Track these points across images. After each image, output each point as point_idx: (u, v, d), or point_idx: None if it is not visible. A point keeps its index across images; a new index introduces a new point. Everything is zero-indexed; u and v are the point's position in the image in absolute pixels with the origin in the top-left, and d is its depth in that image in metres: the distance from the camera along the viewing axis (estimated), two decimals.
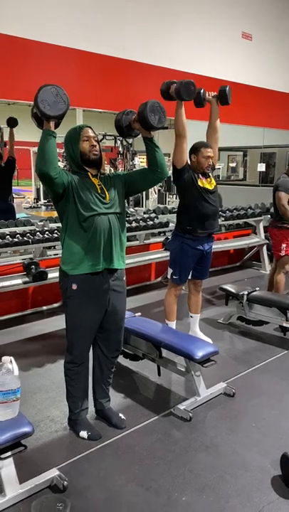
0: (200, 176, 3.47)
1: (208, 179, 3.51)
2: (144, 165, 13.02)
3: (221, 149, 4.29)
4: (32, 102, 2.21)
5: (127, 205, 2.67)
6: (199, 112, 3.76)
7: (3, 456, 1.96)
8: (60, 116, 2.22)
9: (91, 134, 2.42)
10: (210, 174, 3.53)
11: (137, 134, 2.61)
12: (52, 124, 2.23)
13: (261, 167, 8.30)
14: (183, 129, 3.32)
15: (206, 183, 3.48)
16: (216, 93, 3.66)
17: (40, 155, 2.21)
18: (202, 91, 3.64)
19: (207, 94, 3.66)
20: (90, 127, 2.44)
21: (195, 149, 3.49)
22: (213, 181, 3.55)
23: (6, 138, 6.26)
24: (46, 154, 2.20)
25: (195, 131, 3.84)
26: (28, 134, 5.35)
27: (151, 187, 2.56)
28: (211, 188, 3.49)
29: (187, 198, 3.50)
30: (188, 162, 3.49)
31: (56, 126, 2.27)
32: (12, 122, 5.66)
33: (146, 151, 2.47)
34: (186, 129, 3.34)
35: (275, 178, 7.27)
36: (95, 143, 2.42)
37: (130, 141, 8.29)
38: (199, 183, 3.44)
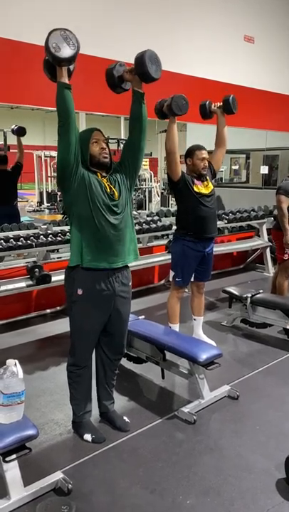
0: (195, 180, 3.49)
1: (205, 183, 3.53)
2: (147, 167, 13.11)
3: None
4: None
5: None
6: (198, 114, 3.78)
7: (7, 458, 1.96)
8: (70, 58, 2.15)
9: (100, 136, 2.42)
10: (207, 177, 3.55)
11: (125, 89, 2.49)
12: (65, 71, 2.18)
13: (264, 169, 8.31)
14: (174, 146, 3.33)
15: (202, 188, 3.50)
16: (221, 103, 3.68)
17: (60, 107, 2.19)
18: (207, 103, 3.69)
19: (212, 106, 3.70)
20: (100, 130, 2.44)
21: (190, 152, 3.52)
22: (210, 185, 3.56)
23: (9, 142, 6.25)
24: (66, 105, 2.18)
25: (198, 131, 3.85)
26: (30, 137, 5.35)
27: (141, 142, 2.48)
28: (207, 193, 3.50)
29: (184, 204, 3.53)
30: (184, 171, 3.52)
31: (68, 75, 2.22)
32: (20, 131, 5.59)
33: (133, 105, 2.40)
34: (177, 144, 3.34)
35: (278, 181, 7.26)
36: (104, 145, 2.41)
37: None
38: (195, 189, 3.46)
